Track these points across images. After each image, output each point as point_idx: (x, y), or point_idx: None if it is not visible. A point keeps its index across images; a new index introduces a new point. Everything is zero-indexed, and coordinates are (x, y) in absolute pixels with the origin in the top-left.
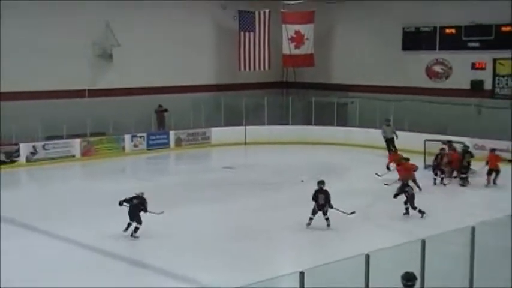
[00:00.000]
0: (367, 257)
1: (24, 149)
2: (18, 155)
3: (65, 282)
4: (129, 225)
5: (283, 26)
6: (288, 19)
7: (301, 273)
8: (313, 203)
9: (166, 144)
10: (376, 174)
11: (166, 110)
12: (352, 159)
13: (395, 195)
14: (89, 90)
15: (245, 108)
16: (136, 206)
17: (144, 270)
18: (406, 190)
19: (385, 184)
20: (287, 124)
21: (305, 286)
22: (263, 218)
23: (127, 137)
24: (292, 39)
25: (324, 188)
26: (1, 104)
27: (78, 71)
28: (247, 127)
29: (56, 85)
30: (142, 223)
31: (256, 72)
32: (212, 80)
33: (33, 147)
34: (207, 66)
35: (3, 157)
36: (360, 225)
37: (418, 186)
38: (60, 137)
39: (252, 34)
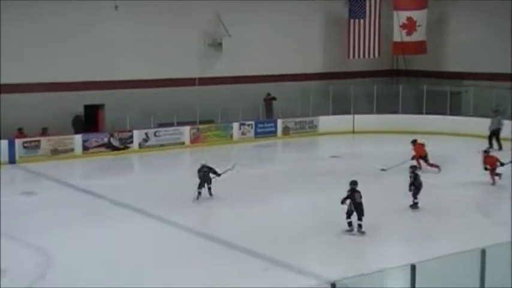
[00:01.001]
0: (483, 252)
1: (137, 135)
2: (132, 142)
3: (172, 266)
4: (199, 193)
5: (395, 12)
6: (400, 5)
7: (413, 266)
8: (346, 205)
9: (273, 133)
10: (382, 169)
11: (274, 98)
12: (463, 150)
13: None
14: (199, 78)
15: (353, 96)
16: (207, 173)
17: (252, 258)
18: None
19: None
20: (397, 113)
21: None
22: (373, 208)
23: (235, 125)
24: (403, 26)
25: (357, 189)
26: (117, 93)
27: (189, 61)
28: (355, 116)
29: (169, 73)
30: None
31: (365, 60)
32: (320, 68)
33: (146, 134)
34: (315, 54)
35: (117, 143)
36: (469, 218)
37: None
38: (171, 125)
39: (362, 21)
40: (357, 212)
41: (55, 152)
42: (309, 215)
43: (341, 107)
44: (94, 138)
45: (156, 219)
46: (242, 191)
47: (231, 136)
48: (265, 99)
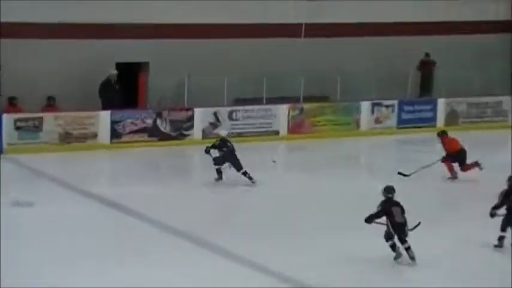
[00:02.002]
0: None
1: (201, 117)
2: (191, 127)
3: None
4: (220, 173)
5: None
6: None
7: None
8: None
9: (429, 120)
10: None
11: (433, 63)
12: None
13: None
14: (305, 25)
15: None
16: (233, 150)
17: None
18: None
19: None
20: None
21: None
22: None
23: (365, 105)
24: None
25: (396, 200)
26: (168, 46)
27: None
28: None
29: (255, 17)
30: None
31: None
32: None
33: (215, 115)
34: None
35: (168, 128)
36: None
37: None
38: (256, 101)
39: None
40: (396, 234)
41: (67, 138)
42: None
43: None
44: (130, 119)
45: (227, 257)
46: None
47: (357, 124)
48: (420, 64)
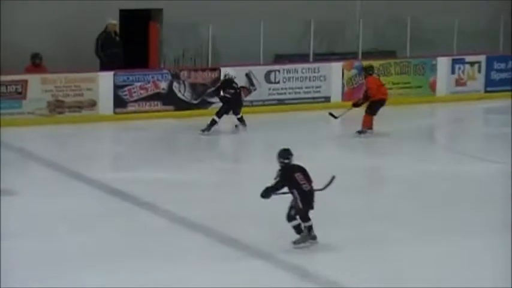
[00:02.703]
0: None
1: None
2: (218, 92)
3: None
4: (213, 123)
5: None
6: None
7: None
8: None
9: None
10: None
11: None
12: None
13: None
14: None
15: None
16: (239, 93)
17: None
18: None
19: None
20: None
21: None
22: None
23: (442, 62)
24: None
25: (298, 164)
26: None
27: None
28: None
29: None
30: None
31: None
32: None
33: (248, 76)
34: None
35: (188, 94)
36: None
37: None
38: (299, 59)
39: None
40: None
41: (57, 108)
42: None
43: None
44: (139, 82)
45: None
46: None
47: (432, 87)
48: None
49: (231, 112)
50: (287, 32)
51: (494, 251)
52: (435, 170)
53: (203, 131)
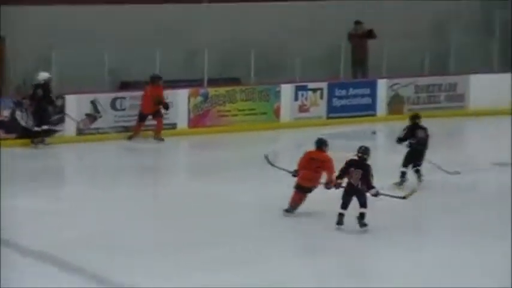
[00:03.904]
0: None
1: (74, 107)
2: (62, 121)
3: None
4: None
5: None
6: None
7: None
8: None
9: (368, 109)
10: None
11: (371, 34)
12: None
13: None
14: None
15: None
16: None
17: None
18: None
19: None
20: None
21: None
22: None
23: (286, 89)
24: None
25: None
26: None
27: None
28: None
29: None
30: None
31: None
32: None
33: (93, 103)
34: None
35: (31, 123)
36: None
37: None
38: (145, 86)
39: None
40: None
41: None
42: None
43: None
44: None
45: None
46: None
47: (276, 113)
48: (352, 35)
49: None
50: (133, 60)
51: None
52: (281, 193)
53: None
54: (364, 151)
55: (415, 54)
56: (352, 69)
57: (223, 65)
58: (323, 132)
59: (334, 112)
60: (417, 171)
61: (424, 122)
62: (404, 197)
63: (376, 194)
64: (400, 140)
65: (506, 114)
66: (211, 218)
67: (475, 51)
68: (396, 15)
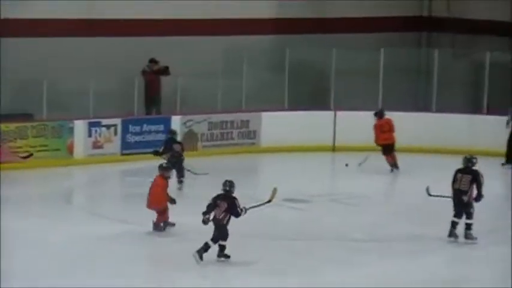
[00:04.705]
0: None
1: None
2: None
3: None
4: None
5: None
6: None
7: None
8: None
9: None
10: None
11: (165, 71)
12: None
13: None
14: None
15: (335, 72)
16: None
17: None
18: None
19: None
20: (429, 110)
21: None
22: None
23: (79, 125)
24: None
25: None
26: None
27: None
28: (338, 113)
29: None
30: None
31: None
32: (270, 11)
33: None
34: None
35: None
36: None
37: None
38: None
39: None
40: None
41: None
42: None
43: (310, 95)
44: None
45: None
46: None
47: (70, 150)
48: (145, 72)
49: None
50: None
51: None
52: (76, 231)
53: None
54: (229, 184)
55: (208, 90)
56: (145, 105)
57: (14, 99)
58: (119, 168)
59: (129, 148)
60: (180, 182)
61: (217, 158)
62: (269, 201)
63: (245, 212)
64: (157, 153)
65: (296, 151)
66: None
67: (266, 88)
68: (188, 51)
